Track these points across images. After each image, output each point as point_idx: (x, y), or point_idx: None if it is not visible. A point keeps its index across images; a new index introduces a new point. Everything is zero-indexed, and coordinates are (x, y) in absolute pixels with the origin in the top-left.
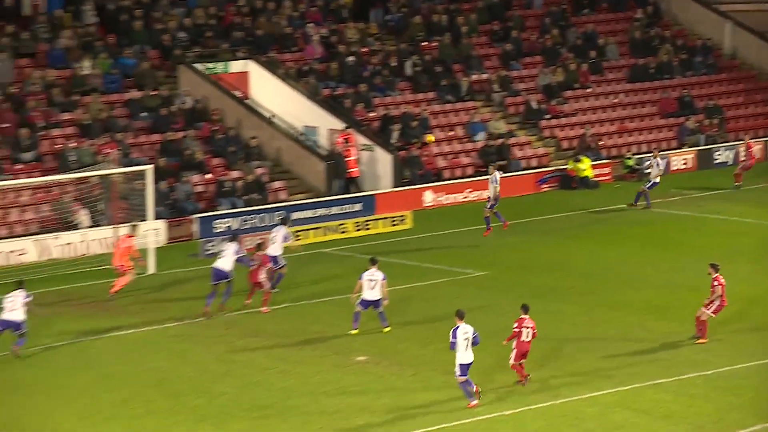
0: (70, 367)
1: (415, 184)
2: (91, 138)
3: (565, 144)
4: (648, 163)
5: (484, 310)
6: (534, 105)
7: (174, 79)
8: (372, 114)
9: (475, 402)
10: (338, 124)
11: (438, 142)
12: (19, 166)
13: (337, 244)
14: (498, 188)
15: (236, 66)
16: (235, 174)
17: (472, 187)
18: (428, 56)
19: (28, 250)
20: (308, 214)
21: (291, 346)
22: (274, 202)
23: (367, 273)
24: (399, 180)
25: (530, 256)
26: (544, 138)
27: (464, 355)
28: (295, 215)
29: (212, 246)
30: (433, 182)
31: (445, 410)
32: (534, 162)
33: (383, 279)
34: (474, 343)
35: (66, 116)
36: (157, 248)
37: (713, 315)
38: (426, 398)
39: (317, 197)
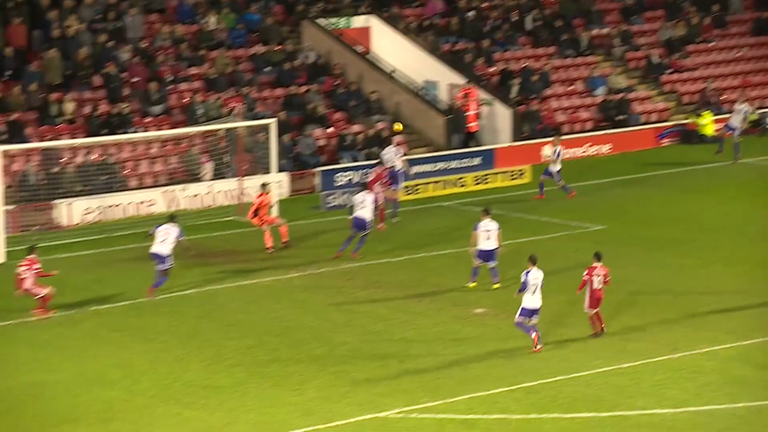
0: (197, 316)
1: (533, 139)
2: (217, 92)
3: (686, 99)
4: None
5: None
6: (655, 59)
7: (297, 34)
8: (492, 69)
9: (540, 347)
10: (458, 79)
11: (558, 96)
12: (149, 119)
13: (455, 197)
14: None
15: (358, 21)
16: (356, 128)
17: (591, 141)
18: (548, 10)
19: (157, 201)
20: (427, 167)
21: (410, 298)
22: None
23: (481, 223)
24: (518, 134)
25: (649, 210)
26: (665, 93)
27: (531, 299)
28: (415, 169)
29: (334, 198)
30: (551, 136)
31: (560, 362)
32: (654, 117)
33: (498, 229)
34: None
35: (193, 70)
36: (280, 200)
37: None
38: (543, 351)
39: (436, 151)
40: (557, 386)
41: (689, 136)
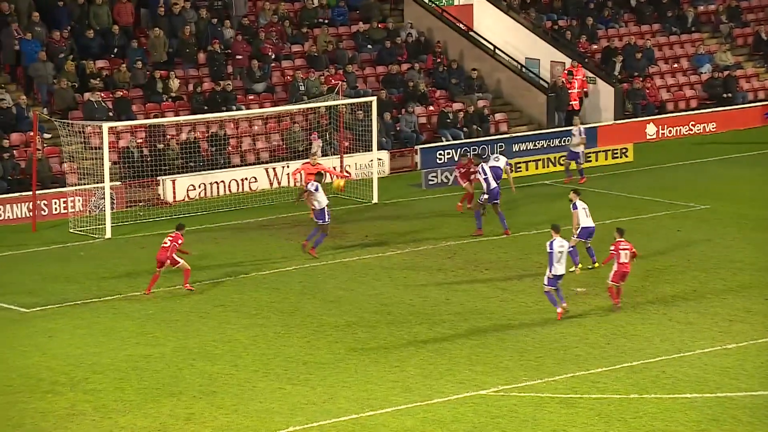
0: (298, 292)
1: (637, 117)
2: (319, 69)
3: None
4: None
5: (707, 243)
6: (764, 36)
7: (399, 12)
8: (595, 46)
9: (560, 311)
10: (560, 57)
11: (662, 73)
12: (252, 97)
13: (557, 176)
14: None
15: None
16: (457, 105)
17: (696, 120)
18: None
19: (259, 177)
20: (529, 146)
21: (511, 276)
22: (495, 134)
23: (579, 202)
24: (621, 112)
25: (755, 189)
26: None
27: (557, 266)
28: (516, 147)
29: (434, 176)
30: (655, 115)
31: (663, 342)
32: (761, 94)
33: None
34: (573, 259)
35: (296, 48)
36: (381, 178)
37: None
38: (643, 330)
39: (538, 129)
40: (659, 366)
41: None
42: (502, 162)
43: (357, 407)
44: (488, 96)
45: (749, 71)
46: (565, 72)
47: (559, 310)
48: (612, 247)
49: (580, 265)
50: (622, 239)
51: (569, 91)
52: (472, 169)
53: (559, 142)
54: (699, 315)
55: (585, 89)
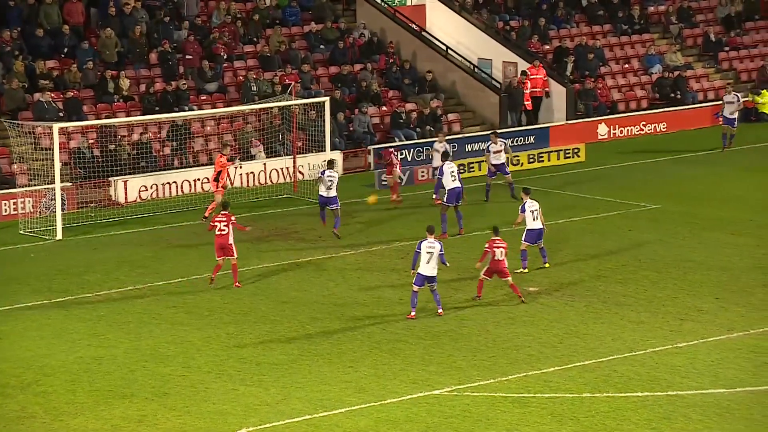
0: (251, 293)
1: (589, 117)
2: (272, 70)
3: (744, 77)
4: None
5: (658, 243)
6: (712, 37)
7: (352, 12)
8: (547, 47)
9: (413, 314)
10: (512, 57)
11: (613, 74)
12: (204, 97)
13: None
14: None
15: None
16: (410, 106)
17: (647, 120)
18: None
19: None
20: (481, 146)
21: (464, 277)
22: (449, 134)
23: (528, 203)
24: (573, 113)
25: (706, 189)
26: (722, 70)
27: (425, 267)
28: (470, 147)
29: (386, 179)
30: (607, 115)
31: (615, 341)
32: (711, 95)
33: (539, 208)
34: (442, 261)
35: (248, 48)
36: None
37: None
38: (596, 329)
39: (491, 130)
40: (611, 365)
41: (747, 114)
42: (498, 146)
43: (311, 408)
44: (441, 96)
45: (699, 72)
46: (529, 71)
47: (413, 313)
48: (486, 245)
49: (527, 270)
50: (498, 237)
51: (523, 92)
52: (392, 161)
53: (512, 142)
54: (650, 314)
55: (546, 89)
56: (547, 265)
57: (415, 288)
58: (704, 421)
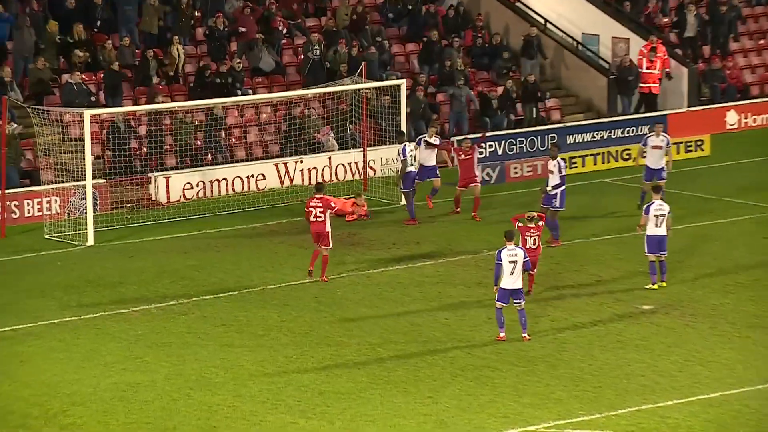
0: (313, 309)
1: (715, 103)
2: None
3: None
4: None
5: None
6: None
7: None
8: (665, 19)
9: (502, 335)
10: (623, 32)
11: (745, 51)
12: (259, 79)
13: (620, 173)
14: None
15: None
16: (502, 89)
17: None
18: None
19: (268, 174)
20: (586, 137)
21: (565, 291)
22: (547, 124)
23: (654, 205)
24: (696, 98)
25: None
26: None
27: (508, 279)
28: (571, 138)
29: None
30: (737, 100)
31: (746, 370)
32: None
33: (669, 212)
34: (525, 268)
35: (311, 22)
36: None
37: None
38: (725, 356)
39: (597, 118)
40: (742, 399)
41: None
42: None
43: None
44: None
45: None
46: (645, 49)
47: (501, 333)
48: (518, 230)
49: (656, 285)
50: (532, 225)
51: (649, 71)
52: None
53: (623, 132)
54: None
55: (667, 69)
56: (663, 283)
57: (499, 305)
58: None
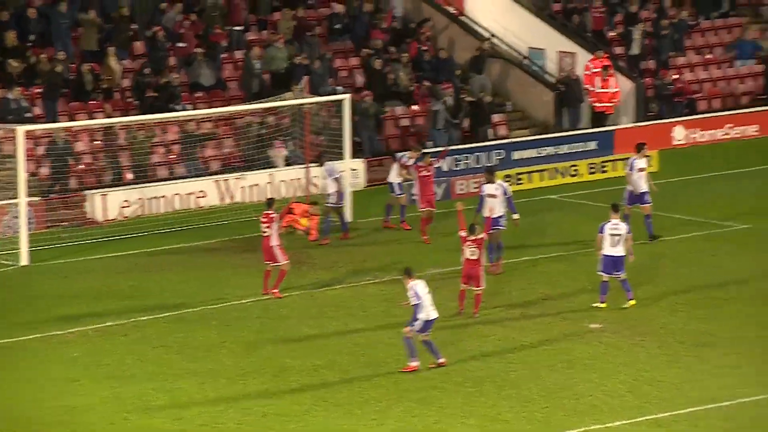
0: (255, 330)
1: (663, 118)
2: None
3: None
4: None
5: (749, 271)
6: None
7: None
8: (611, 33)
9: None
10: (569, 46)
11: (692, 66)
12: (199, 94)
13: (566, 189)
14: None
15: None
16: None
17: (735, 121)
18: None
19: (208, 192)
20: (532, 153)
21: (511, 310)
22: (493, 139)
23: (609, 224)
24: (643, 113)
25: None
26: None
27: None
28: (517, 155)
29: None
30: (685, 116)
31: (696, 390)
32: None
33: (628, 232)
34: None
35: (251, 36)
36: (355, 192)
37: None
38: (673, 376)
39: (543, 134)
40: (691, 419)
41: None
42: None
43: None
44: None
45: None
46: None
47: (413, 364)
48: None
49: (605, 303)
50: (473, 236)
51: (604, 90)
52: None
53: (568, 148)
54: (738, 357)
55: (617, 90)
56: (632, 302)
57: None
58: None
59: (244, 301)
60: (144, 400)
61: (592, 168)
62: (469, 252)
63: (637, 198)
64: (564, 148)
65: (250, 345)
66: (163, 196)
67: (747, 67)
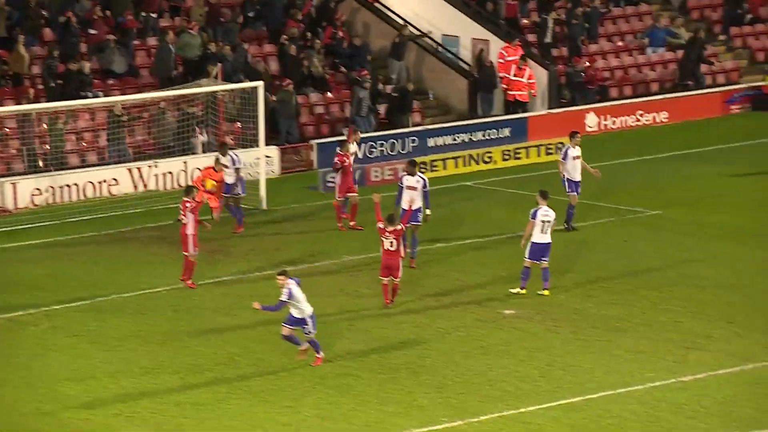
0: (169, 319)
1: (575, 106)
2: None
3: (760, 56)
4: None
5: (659, 257)
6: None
7: None
8: (525, 21)
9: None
10: (483, 33)
11: (604, 53)
12: (111, 81)
13: (480, 176)
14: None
15: None
16: (361, 93)
17: (645, 108)
18: None
19: (121, 180)
20: (447, 140)
21: (427, 297)
22: (407, 126)
23: (541, 210)
24: (556, 100)
25: (715, 192)
26: (735, 48)
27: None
28: (432, 142)
29: (334, 178)
30: (596, 103)
31: (607, 374)
32: (721, 78)
33: (554, 218)
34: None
35: (164, 23)
36: (270, 180)
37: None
38: (584, 361)
39: (457, 121)
40: (603, 404)
41: (764, 100)
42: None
43: None
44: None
45: (707, 51)
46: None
47: (302, 347)
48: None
49: (525, 290)
50: (391, 227)
51: (518, 79)
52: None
53: (483, 135)
54: (650, 342)
55: (533, 89)
56: (546, 292)
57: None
58: None
59: (158, 290)
60: (56, 390)
61: (506, 155)
62: (388, 243)
63: (575, 186)
64: (478, 135)
65: (164, 334)
66: (75, 184)
67: (658, 54)
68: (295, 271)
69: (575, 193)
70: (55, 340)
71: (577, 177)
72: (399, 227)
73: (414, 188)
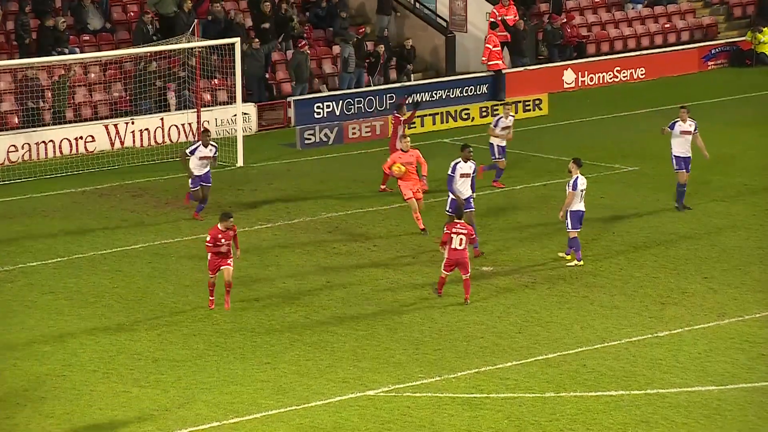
0: (147, 275)
1: (552, 62)
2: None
3: (737, 12)
4: None
5: (635, 212)
6: None
7: None
8: None
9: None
10: None
11: (582, 9)
12: (86, 37)
13: (459, 132)
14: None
15: None
16: (336, 49)
17: (622, 65)
18: None
19: (98, 137)
20: (425, 97)
21: (403, 255)
22: (385, 84)
23: (580, 180)
24: (534, 56)
25: (691, 148)
26: (712, 4)
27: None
28: (410, 99)
29: (312, 135)
30: (574, 59)
31: (584, 330)
32: (698, 34)
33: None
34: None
35: None
36: (246, 137)
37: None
38: (561, 317)
39: (436, 77)
40: (580, 359)
41: (742, 57)
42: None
43: (219, 413)
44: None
45: (683, 6)
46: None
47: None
48: (446, 228)
49: (581, 261)
50: (460, 221)
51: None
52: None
53: (461, 92)
54: (626, 298)
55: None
56: (569, 257)
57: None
58: (689, 424)
59: (135, 246)
60: (33, 346)
61: (483, 112)
62: (457, 241)
63: (684, 163)
64: (456, 92)
65: (140, 291)
66: (50, 141)
67: (635, 11)
68: (273, 228)
69: (684, 171)
70: (32, 297)
71: (686, 153)
72: (470, 226)
73: (468, 175)
